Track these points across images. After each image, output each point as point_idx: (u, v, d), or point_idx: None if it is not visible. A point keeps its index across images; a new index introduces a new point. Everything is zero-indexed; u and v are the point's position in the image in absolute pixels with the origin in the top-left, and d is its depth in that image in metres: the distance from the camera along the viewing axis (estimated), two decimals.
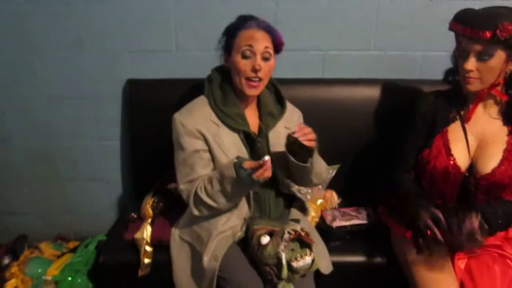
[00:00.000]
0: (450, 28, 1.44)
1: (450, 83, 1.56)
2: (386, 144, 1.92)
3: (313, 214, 1.79)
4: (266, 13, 1.85)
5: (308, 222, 1.62)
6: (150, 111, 1.94)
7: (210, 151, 1.46)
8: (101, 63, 1.97)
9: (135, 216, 1.75)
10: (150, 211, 1.69)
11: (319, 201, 1.87)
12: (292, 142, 1.35)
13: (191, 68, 1.96)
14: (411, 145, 1.55)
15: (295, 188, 1.59)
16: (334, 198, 1.91)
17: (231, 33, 1.44)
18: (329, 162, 1.92)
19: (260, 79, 1.42)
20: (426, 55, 1.97)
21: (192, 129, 1.43)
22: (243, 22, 1.43)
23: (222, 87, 1.51)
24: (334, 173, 1.91)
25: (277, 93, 1.60)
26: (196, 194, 1.42)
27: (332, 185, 1.96)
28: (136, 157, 2.06)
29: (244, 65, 1.40)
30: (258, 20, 1.45)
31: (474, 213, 1.30)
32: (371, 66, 1.98)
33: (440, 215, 1.31)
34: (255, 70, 1.39)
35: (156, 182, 1.87)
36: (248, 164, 1.29)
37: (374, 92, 1.94)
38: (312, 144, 1.36)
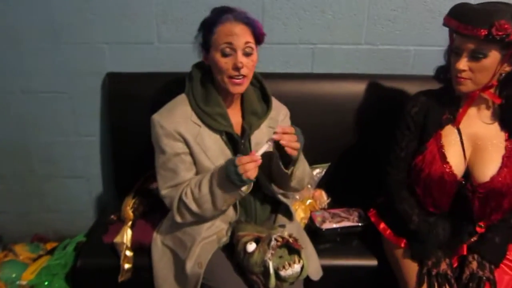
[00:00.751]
0: (444, 24, 1.36)
1: (442, 81, 1.47)
2: (377, 142, 1.84)
3: (302, 215, 1.73)
4: (253, 4, 1.78)
5: (296, 225, 1.56)
6: (131, 106, 1.85)
7: (191, 153, 1.38)
8: (79, 55, 1.86)
9: (115, 218, 1.66)
10: (131, 214, 1.60)
11: (308, 201, 1.81)
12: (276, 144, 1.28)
13: (174, 61, 1.88)
14: (404, 149, 1.47)
15: (279, 191, 1.52)
16: (323, 197, 1.85)
17: (208, 29, 1.33)
18: (318, 160, 1.88)
19: (244, 76, 1.33)
20: (419, 50, 1.90)
21: (172, 131, 1.35)
22: (218, 16, 1.32)
23: (204, 84, 1.42)
24: (323, 172, 1.84)
25: (262, 89, 1.50)
26: (180, 199, 1.34)
27: (321, 184, 1.89)
28: (116, 153, 1.97)
29: (225, 63, 1.31)
30: (235, 11, 1.34)
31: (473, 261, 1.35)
32: (362, 60, 1.91)
33: (450, 272, 1.35)
34: (237, 68, 1.30)
35: (137, 181, 1.79)
36: (240, 160, 1.23)
37: (365, 88, 1.87)
38: (294, 153, 1.29)
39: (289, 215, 1.52)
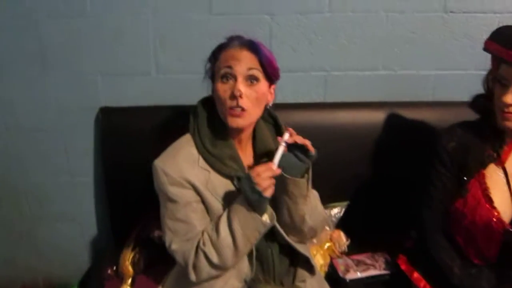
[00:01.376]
0: (485, 48, 1.21)
1: (480, 112, 1.30)
2: (399, 177, 1.71)
3: (321, 262, 1.56)
4: (260, 28, 1.64)
5: (318, 279, 1.37)
6: (126, 143, 1.69)
7: (203, 201, 1.20)
8: (69, 88, 1.70)
9: (112, 273, 1.48)
10: (130, 269, 1.42)
11: (327, 245, 1.63)
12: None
13: (175, 93, 1.71)
14: (439, 189, 1.30)
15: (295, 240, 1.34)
16: (342, 239, 1.68)
17: (213, 57, 1.22)
18: (335, 198, 1.71)
19: (243, 109, 1.15)
20: (440, 75, 1.75)
21: (178, 179, 1.17)
22: (225, 42, 1.22)
23: (211, 122, 1.25)
24: (342, 212, 1.67)
25: (277, 126, 1.34)
26: (198, 251, 1.16)
27: (339, 224, 1.72)
28: (111, 195, 1.79)
29: (224, 91, 1.15)
30: (243, 38, 1.21)
31: None
32: (379, 87, 1.76)
33: None
34: (234, 97, 1.13)
35: (135, 228, 1.61)
36: (255, 170, 1.10)
37: (383, 117, 1.71)
38: (312, 149, 1.17)
39: (310, 268, 1.34)
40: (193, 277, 1.17)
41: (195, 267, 1.17)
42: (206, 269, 1.16)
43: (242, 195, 1.12)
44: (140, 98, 1.72)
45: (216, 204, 1.19)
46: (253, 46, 1.17)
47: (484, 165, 1.25)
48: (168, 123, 1.65)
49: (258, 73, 1.16)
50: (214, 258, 1.14)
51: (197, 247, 1.16)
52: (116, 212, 1.80)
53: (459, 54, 1.71)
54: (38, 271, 2.05)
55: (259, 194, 1.07)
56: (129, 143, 1.68)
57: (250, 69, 1.14)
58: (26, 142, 1.79)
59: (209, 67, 1.24)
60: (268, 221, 1.15)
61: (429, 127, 1.69)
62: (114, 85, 1.70)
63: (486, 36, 1.67)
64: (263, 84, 1.17)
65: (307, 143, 1.15)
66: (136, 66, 1.68)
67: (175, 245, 1.20)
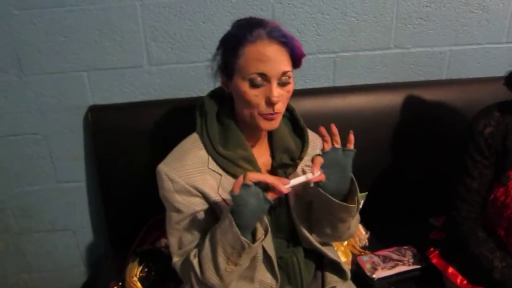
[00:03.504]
0: None
1: None
2: (419, 162, 1.61)
3: (343, 259, 1.45)
4: (262, 10, 1.49)
5: (348, 283, 1.25)
6: (120, 143, 1.54)
7: (214, 209, 1.06)
8: (52, 88, 1.53)
9: None
10: (139, 285, 1.28)
11: (346, 241, 1.52)
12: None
13: (170, 86, 1.56)
14: (476, 178, 1.20)
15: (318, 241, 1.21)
16: (361, 232, 1.58)
17: (231, 49, 0.99)
18: None
19: (278, 112, 1.01)
20: (455, 51, 1.63)
21: (186, 185, 1.03)
22: (247, 32, 0.97)
23: (221, 120, 1.10)
24: (362, 203, 1.56)
25: (293, 120, 1.20)
26: (186, 262, 1.04)
27: None
28: (106, 199, 1.63)
29: (255, 96, 0.98)
30: (268, 25, 0.99)
31: None
32: (391, 68, 1.63)
33: None
34: (271, 104, 0.98)
35: (137, 237, 1.47)
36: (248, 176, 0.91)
37: (396, 100, 1.59)
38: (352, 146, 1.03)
39: (341, 272, 1.22)
40: None
41: (192, 283, 1.04)
42: (196, 287, 1.03)
43: (230, 207, 0.95)
44: (133, 93, 1.56)
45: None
46: (283, 39, 0.98)
47: None
48: (165, 119, 1.51)
49: (291, 73, 1.01)
50: (198, 273, 1.01)
51: (189, 260, 1.03)
52: (113, 218, 1.65)
53: (474, 27, 1.59)
54: (31, 287, 1.90)
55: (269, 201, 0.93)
56: (123, 142, 1.54)
57: (284, 73, 0.98)
58: (7, 150, 1.62)
59: (221, 60, 1.05)
60: (249, 241, 0.95)
61: (446, 108, 1.59)
62: (103, 81, 1.53)
63: (502, 6, 1.58)
64: (292, 79, 1.02)
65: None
66: (126, 59, 1.51)
67: (176, 258, 1.09)
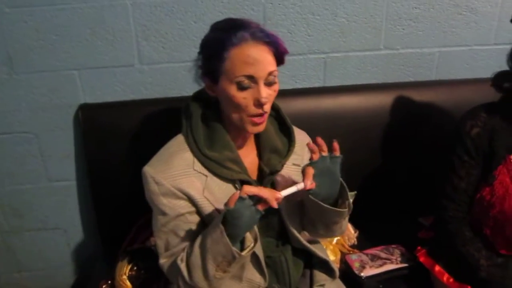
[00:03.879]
0: None
1: (505, 91, 1.19)
2: (408, 162, 1.63)
3: (332, 258, 1.46)
4: (253, 10, 1.50)
5: (337, 281, 1.27)
6: (110, 142, 1.54)
7: (199, 211, 1.07)
8: (42, 86, 1.52)
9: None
10: (129, 284, 1.28)
11: (335, 239, 1.53)
12: None
13: (161, 85, 1.57)
14: (463, 178, 1.21)
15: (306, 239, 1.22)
16: (350, 231, 1.59)
17: (216, 53, 0.99)
18: None
19: (265, 112, 1.02)
20: (444, 52, 1.65)
21: (171, 188, 1.03)
22: (231, 34, 0.97)
23: (206, 121, 1.10)
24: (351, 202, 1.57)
25: (279, 118, 1.20)
26: (177, 267, 1.03)
27: None
28: (97, 198, 1.63)
29: (244, 99, 0.99)
30: (250, 27, 0.99)
31: None
32: (381, 68, 1.65)
33: None
34: (260, 105, 0.99)
35: (127, 236, 1.47)
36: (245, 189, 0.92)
37: (386, 100, 1.61)
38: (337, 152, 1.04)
39: (329, 271, 1.23)
40: None
41: (178, 286, 1.05)
42: None
43: (222, 214, 0.96)
44: (124, 92, 1.56)
45: (214, 212, 1.06)
46: (266, 38, 0.98)
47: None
48: (156, 118, 1.52)
49: (276, 73, 1.01)
50: (186, 278, 1.01)
51: (176, 262, 1.04)
52: (104, 217, 1.65)
53: (463, 28, 1.61)
54: (22, 286, 1.90)
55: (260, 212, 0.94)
56: (114, 141, 1.54)
57: (270, 73, 0.98)
58: None
59: (205, 64, 1.04)
60: (238, 251, 0.97)
61: (435, 108, 1.61)
62: (93, 80, 1.53)
63: (490, 8, 1.60)
64: (277, 78, 1.03)
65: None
66: (117, 58, 1.51)
67: (163, 259, 1.09)
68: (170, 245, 1.07)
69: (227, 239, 0.93)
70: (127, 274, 1.31)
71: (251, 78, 0.97)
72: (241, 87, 0.98)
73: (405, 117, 1.60)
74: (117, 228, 1.57)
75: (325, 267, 1.23)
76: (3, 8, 1.41)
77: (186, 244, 1.05)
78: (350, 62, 1.62)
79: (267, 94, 0.99)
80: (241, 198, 0.91)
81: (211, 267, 0.98)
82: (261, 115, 1.01)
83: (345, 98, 1.63)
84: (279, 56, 1.02)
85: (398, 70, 1.65)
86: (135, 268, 1.33)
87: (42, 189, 1.70)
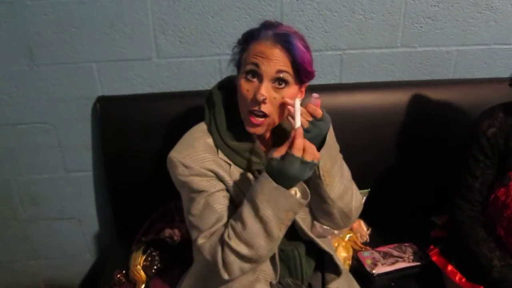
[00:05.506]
0: None
1: None
2: (423, 161, 1.62)
3: (344, 255, 1.47)
4: (270, 6, 1.50)
5: (347, 278, 1.27)
6: (127, 134, 1.57)
7: (229, 190, 1.08)
8: (62, 78, 1.55)
9: (122, 277, 1.36)
10: (143, 274, 1.30)
11: (348, 236, 1.54)
12: None
13: (178, 78, 1.59)
14: (478, 178, 1.20)
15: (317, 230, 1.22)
16: (363, 228, 1.59)
17: (242, 46, 1.05)
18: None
19: (265, 115, 1.02)
20: (462, 51, 1.63)
21: (200, 169, 1.04)
22: (259, 31, 1.02)
23: (229, 110, 1.11)
24: (364, 200, 1.57)
25: None
26: (223, 244, 1.01)
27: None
28: (113, 189, 1.66)
29: (247, 91, 1.01)
30: (279, 29, 1.01)
31: None
32: (398, 66, 1.64)
33: None
34: (256, 102, 1.00)
35: (142, 227, 1.49)
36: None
37: (402, 98, 1.60)
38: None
39: (334, 268, 1.23)
40: (225, 275, 1.02)
41: (224, 263, 1.02)
42: (236, 264, 1.01)
43: (262, 177, 0.97)
44: (141, 85, 1.58)
45: (238, 198, 1.07)
46: (287, 44, 0.99)
47: None
48: (172, 111, 1.53)
49: (288, 76, 1.00)
50: (244, 251, 0.99)
51: (223, 241, 1.02)
52: (119, 207, 1.68)
53: (481, 27, 1.59)
54: (38, 275, 1.95)
55: (312, 164, 0.95)
56: (130, 133, 1.56)
57: (279, 71, 0.99)
58: (17, 139, 1.65)
59: (237, 52, 1.07)
60: (301, 197, 0.99)
61: (452, 107, 1.59)
62: (112, 73, 1.56)
63: (510, 7, 1.58)
64: (292, 88, 1.02)
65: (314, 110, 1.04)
66: (135, 52, 1.53)
67: (201, 240, 1.05)
68: (206, 225, 1.05)
69: (286, 190, 0.95)
70: (141, 264, 1.33)
71: (257, 67, 0.99)
72: (248, 75, 1.01)
73: (421, 115, 1.59)
74: (132, 219, 1.59)
75: (332, 265, 1.23)
76: (25, 1, 1.43)
77: (224, 221, 1.04)
78: (367, 59, 1.61)
79: (270, 94, 1.00)
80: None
81: (274, 228, 0.98)
82: (259, 115, 1.02)
83: (361, 95, 1.62)
84: (297, 68, 1.01)
85: (415, 68, 1.64)
86: (149, 258, 1.35)
87: (59, 179, 1.73)
